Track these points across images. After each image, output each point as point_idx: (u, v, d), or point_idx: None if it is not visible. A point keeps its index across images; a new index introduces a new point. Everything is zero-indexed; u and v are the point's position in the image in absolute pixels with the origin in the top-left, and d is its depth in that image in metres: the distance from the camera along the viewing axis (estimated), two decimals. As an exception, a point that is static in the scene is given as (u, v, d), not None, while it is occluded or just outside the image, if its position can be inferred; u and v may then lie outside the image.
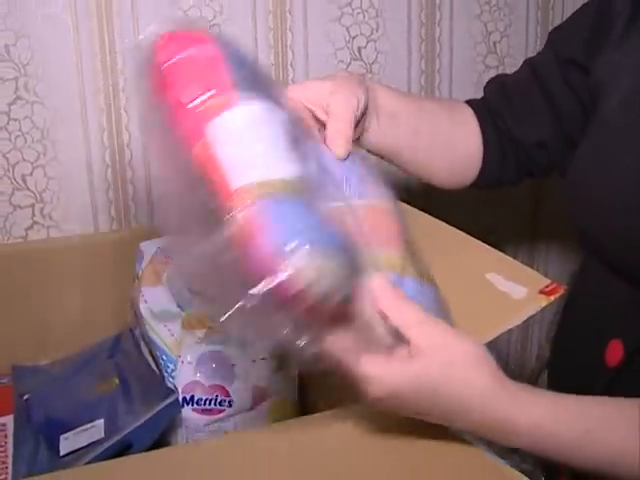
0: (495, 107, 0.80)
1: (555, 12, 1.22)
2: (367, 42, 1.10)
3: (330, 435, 0.57)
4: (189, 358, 0.77)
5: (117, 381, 0.86)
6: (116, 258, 0.98)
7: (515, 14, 1.19)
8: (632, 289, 0.66)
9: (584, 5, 0.77)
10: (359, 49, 1.10)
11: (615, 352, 0.67)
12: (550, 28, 0.86)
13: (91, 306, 0.97)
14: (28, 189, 0.98)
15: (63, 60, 0.96)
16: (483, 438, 0.56)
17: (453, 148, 0.80)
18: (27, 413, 0.84)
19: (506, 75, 0.85)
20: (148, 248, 0.92)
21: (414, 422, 0.54)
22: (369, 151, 0.72)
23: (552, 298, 0.67)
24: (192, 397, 0.76)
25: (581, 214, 0.71)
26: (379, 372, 0.51)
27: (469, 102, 0.81)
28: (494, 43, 1.18)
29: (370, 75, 1.11)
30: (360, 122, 0.67)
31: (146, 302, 0.86)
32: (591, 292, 0.74)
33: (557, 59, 0.78)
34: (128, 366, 0.87)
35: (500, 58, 1.19)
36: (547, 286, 0.70)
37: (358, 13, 1.08)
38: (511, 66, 1.18)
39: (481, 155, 0.80)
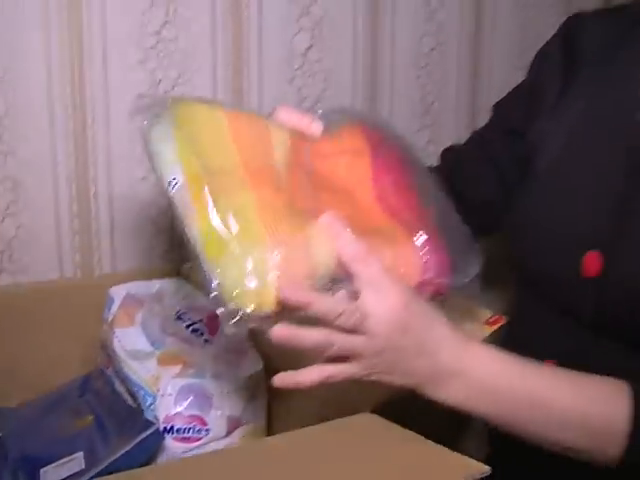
0: (449, 173, 0.94)
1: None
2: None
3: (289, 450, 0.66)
4: (169, 391, 0.84)
5: (91, 418, 0.91)
6: (81, 303, 1.04)
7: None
8: (562, 316, 0.80)
9: (521, 83, 0.94)
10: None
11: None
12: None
13: (58, 350, 1.01)
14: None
15: (34, 111, 1.03)
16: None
17: None
18: (2, 451, 0.88)
19: (459, 145, 1.00)
20: (117, 293, 0.98)
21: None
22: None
23: (495, 327, 0.81)
24: (172, 427, 0.83)
25: (522, 256, 0.85)
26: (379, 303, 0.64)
27: (430, 169, 0.95)
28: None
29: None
30: None
31: (120, 342, 0.92)
32: (526, 320, 0.87)
33: (500, 130, 0.94)
34: (101, 403, 0.93)
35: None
36: (491, 317, 0.84)
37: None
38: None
39: None
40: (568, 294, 0.81)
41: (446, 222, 0.75)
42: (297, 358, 0.66)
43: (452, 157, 1.02)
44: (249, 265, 0.61)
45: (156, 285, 1.01)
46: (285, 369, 0.66)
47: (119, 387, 0.91)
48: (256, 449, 0.73)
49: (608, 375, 0.71)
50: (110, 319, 0.95)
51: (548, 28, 1.31)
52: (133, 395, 0.88)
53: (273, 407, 0.92)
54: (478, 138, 1.00)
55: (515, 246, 0.89)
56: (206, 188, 0.64)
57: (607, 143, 0.82)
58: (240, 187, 0.66)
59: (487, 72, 1.41)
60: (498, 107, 1.00)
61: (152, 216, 1.17)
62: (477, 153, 0.98)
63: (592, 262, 0.78)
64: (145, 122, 0.69)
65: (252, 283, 0.61)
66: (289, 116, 0.75)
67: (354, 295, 0.65)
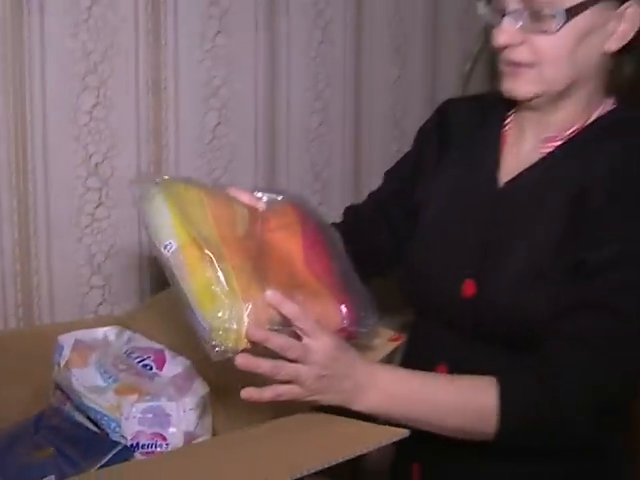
0: (350, 227, 1.19)
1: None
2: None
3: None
4: (133, 413, 0.97)
5: (52, 449, 1.01)
6: (25, 351, 1.15)
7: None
8: (448, 329, 1.03)
9: (406, 154, 1.23)
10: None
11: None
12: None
13: (7, 393, 1.11)
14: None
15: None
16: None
17: None
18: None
19: (357, 204, 1.28)
20: (66, 340, 1.11)
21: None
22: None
23: (398, 343, 1.04)
24: (138, 443, 0.96)
25: (416, 288, 1.09)
26: (317, 343, 0.87)
27: (335, 224, 1.18)
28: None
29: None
30: None
31: (78, 380, 1.04)
32: (422, 335, 1.10)
33: (391, 191, 1.19)
34: (59, 436, 1.03)
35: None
36: (393, 335, 1.07)
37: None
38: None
39: None
40: (452, 312, 1.05)
41: (353, 285, 0.99)
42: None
43: (352, 214, 1.27)
44: (231, 313, 0.85)
45: (99, 332, 1.14)
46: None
47: (80, 418, 1.03)
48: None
49: (486, 372, 0.94)
50: (64, 362, 1.07)
51: (415, 106, 1.61)
52: (96, 423, 1.00)
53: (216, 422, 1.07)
54: (374, 198, 1.26)
55: (410, 280, 1.12)
56: (208, 252, 0.86)
57: (475, 202, 1.08)
58: (221, 254, 0.87)
59: (367, 141, 1.67)
60: (389, 173, 1.26)
61: (86, 275, 1.30)
62: (373, 210, 1.24)
63: (469, 287, 1.03)
64: (140, 197, 0.88)
65: (233, 326, 0.85)
66: (240, 194, 0.96)
67: (297, 335, 0.89)
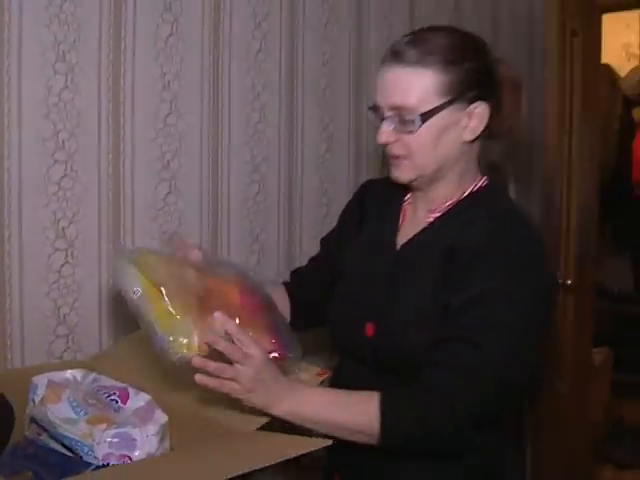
0: (294, 286, 1.49)
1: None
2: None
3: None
4: (104, 438, 1.14)
5: (30, 473, 1.18)
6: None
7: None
8: (356, 361, 1.27)
9: (336, 226, 1.52)
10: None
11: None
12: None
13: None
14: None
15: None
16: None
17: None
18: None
19: (301, 267, 1.56)
20: (40, 380, 1.27)
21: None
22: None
23: (324, 377, 1.28)
24: (109, 463, 1.13)
25: (333, 328, 1.33)
26: (253, 351, 1.11)
27: (285, 283, 1.47)
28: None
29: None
30: None
31: (53, 414, 1.20)
32: (341, 374, 1.34)
33: (326, 255, 1.51)
34: (37, 462, 1.19)
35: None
36: (320, 371, 1.30)
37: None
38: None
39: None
40: (358, 348, 1.30)
41: (282, 327, 1.24)
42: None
43: (295, 275, 1.53)
44: (183, 330, 1.11)
45: (68, 373, 1.31)
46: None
47: (55, 446, 1.19)
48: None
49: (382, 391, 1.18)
50: (39, 399, 1.24)
51: (340, 181, 1.87)
52: (70, 449, 1.17)
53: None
54: (311, 262, 1.53)
55: (330, 324, 1.37)
56: (163, 290, 1.12)
57: (378, 261, 1.33)
58: (173, 292, 1.14)
59: (299, 207, 1.91)
60: (323, 241, 1.53)
61: (52, 325, 1.47)
62: (310, 272, 1.50)
63: (369, 329, 1.28)
64: (116, 262, 1.21)
65: (185, 339, 1.11)
66: (190, 255, 1.18)
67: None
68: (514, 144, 2.45)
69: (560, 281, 2.51)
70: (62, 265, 1.48)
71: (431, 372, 1.15)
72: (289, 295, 1.46)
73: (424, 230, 1.28)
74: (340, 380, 1.35)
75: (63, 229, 1.48)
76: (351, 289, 1.35)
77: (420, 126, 1.18)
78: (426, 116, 1.18)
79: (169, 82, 1.63)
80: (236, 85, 1.77)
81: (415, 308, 1.22)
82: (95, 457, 1.14)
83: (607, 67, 4.55)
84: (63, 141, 1.47)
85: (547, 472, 2.59)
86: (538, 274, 1.18)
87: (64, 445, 1.19)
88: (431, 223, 1.28)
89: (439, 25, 1.27)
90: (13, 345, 1.42)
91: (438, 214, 1.28)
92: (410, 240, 1.29)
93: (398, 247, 1.31)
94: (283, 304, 1.44)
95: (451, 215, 1.27)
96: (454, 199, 1.28)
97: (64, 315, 1.48)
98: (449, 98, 1.18)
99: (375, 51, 2.10)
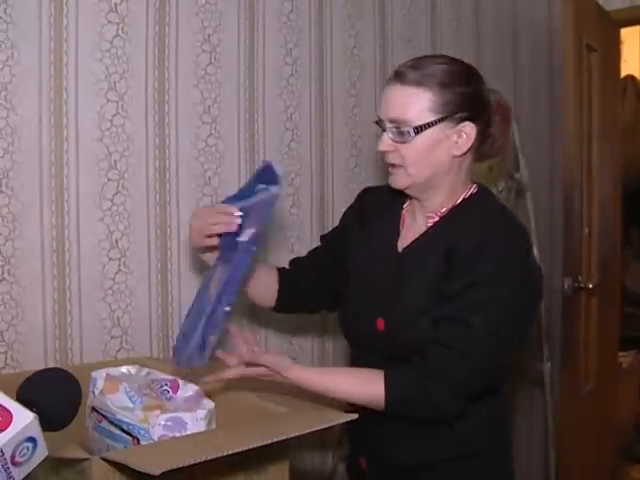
0: (290, 273, 1.60)
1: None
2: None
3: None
4: (158, 421, 1.30)
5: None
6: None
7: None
8: (369, 352, 1.44)
9: (337, 226, 1.67)
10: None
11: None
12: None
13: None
14: None
15: None
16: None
17: (259, 288, 1.57)
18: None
19: (299, 257, 1.68)
20: (99, 374, 1.43)
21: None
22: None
23: None
24: (163, 443, 1.29)
25: (346, 323, 1.48)
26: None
27: (278, 269, 1.61)
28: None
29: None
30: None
31: (112, 403, 1.36)
32: (357, 364, 1.50)
33: (323, 250, 1.64)
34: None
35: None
36: None
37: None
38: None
39: (275, 297, 1.58)
40: (371, 341, 1.44)
41: None
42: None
43: (294, 263, 1.65)
44: None
45: (124, 368, 1.47)
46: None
47: (115, 430, 1.35)
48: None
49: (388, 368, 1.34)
50: (99, 391, 1.40)
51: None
52: (129, 432, 1.32)
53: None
54: (311, 254, 1.66)
55: (343, 321, 1.53)
56: None
57: (382, 263, 1.47)
58: None
59: (330, 220, 2.06)
60: (324, 237, 1.67)
61: (108, 327, 1.64)
62: (308, 262, 1.63)
63: (380, 324, 1.42)
64: None
65: None
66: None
67: None
68: (531, 154, 2.58)
69: (582, 285, 2.61)
70: (116, 273, 1.64)
71: (430, 349, 1.31)
72: (283, 278, 1.59)
73: (422, 235, 1.43)
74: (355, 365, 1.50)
75: (116, 241, 1.64)
76: (360, 290, 1.49)
77: (413, 138, 1.33)
78: (419, 129, 1.33)
79: (209, 107, 1.80)
80: (270, 107, 1.93)
81: (420, 303, 1.36)
82: (151, 439, 1.29)
83: (633, 78, 4.64)
84: (115, 161, 1.64)
85: (573, 472, 2.68)
86: (521, 261, 1.34)
87: (123, 430, 1.34)
88: (429, 228, 1.43)
89: (439, 54, 1.46)
90: (73, 345, 1.58)
91: (436, 219, 1.43)
92: (411, 244, 1.44)
93: (400, 250, 1.45)
94: (269, 285, 1.58)
95: (447, 220, 1.41)
96: (449, 205, 1.42)
97: (118, 318, 1.65)
98: (441, 116, 1.34)
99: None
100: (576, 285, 2.58)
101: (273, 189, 1.39)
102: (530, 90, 2.91)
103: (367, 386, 1.33)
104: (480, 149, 1.42)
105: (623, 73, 3.84)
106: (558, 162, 2.91)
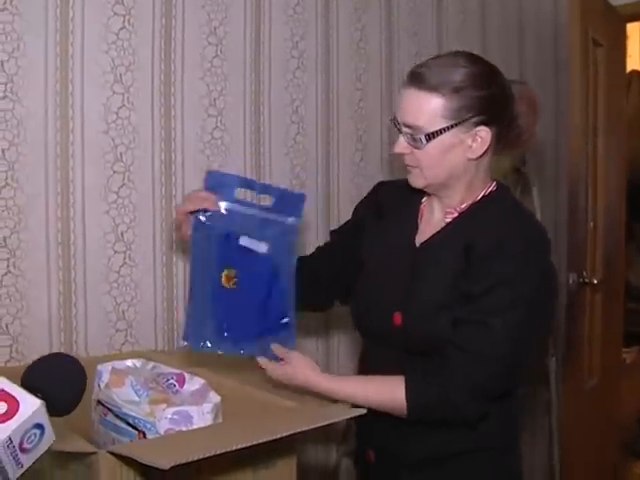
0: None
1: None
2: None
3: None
4: (164, 415, 1.29)
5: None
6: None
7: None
8: (386, 347, 1.43)
9: (350, 219, 1.65)
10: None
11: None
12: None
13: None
14: None
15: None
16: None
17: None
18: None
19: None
20: (104, 367, 1.43)
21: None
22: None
23: None
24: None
25: (361, 317, 1.47)
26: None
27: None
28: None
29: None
30: None
31: (118, 396, 1.36)
32: (370, 358, 1.47)
33: (334, 242, 1.63)
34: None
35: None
36: None
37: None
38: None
39: None
40: (387, 336, 1.43)
41: None
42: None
43: (303, 263, 1.60)
44: None
45: (129, 362, 1.47)
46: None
47: (121, 424, 1.35)
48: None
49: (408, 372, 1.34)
50: (104, 384, 1.39)
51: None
52: (135, 426, 1.32)
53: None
54: (320, 249, 1.65)
55: (356, 314, 1.52)
56: None
57: (400, 257, 1.46)
58: None
59: (336, 215, 2.04)
60: (334, 232, 1.67)
61: (113, 320, 1.63)
62: (318, 257, 1.63)
63: (397, 318, 1.41)
64: None
65: None
66: None
67: None
68: (537, 149, 2.58)
69: (586, 280, 2.61)
70: (121, 266, 1.64)
71: (450, 352, 1.30)
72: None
73: (441, 230, 1.42)
74: (370, 364, 1.49)
75: (122, 233, 1.64)
76: (376, 284, 1.48)
77: (426, 144, 1.33)
78: (431, 136, 1.33)
79: (215, 99, 1.79)
80: (276, 100, 1.92)
81: (438, 299, 1.35)
82: (157, 432, 1.29)
83: (638, 73, 4.62)
84: (121, 154, 1.63)
85: (577, 467, 2.68)
86: (540, 259, 1.34)
87: (128, 423, 1.34)
88: (448, 223, 1.42)
89: (460, 52, 1.40)
90: (78, 338, 1.58)
91: (455, 215, 1.42)
92: (429, 239, 1.43)
93: (417, 245, 1.45)
94: None
95: (466, 216, 1.41)
96: (469, 202, 1.41)
97: (123, 311, 1.64)
98: (453, 122, 1.33)
99: (405, 66, 2.23)
100: (581, 280, 2.58)
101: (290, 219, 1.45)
102: (536, 84, 2.88)
103: (388, 392, 1.33)
104: (506, 142, 1.41)
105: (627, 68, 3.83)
106: (563, 157, 2.90)
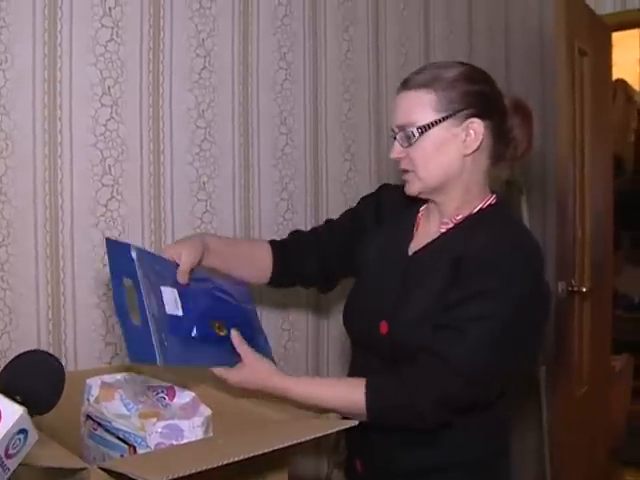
0: (285, 245, 1.59)
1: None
2: None
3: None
4: (155, 429, 1.28)
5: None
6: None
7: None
8: (372, 355, 1.43)
9: (347, 211, 1.65)
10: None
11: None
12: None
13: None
14: None
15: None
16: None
17: (251, 265, 1.55)
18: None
19: (300, 231, 1.67)
20: (94, 381, 1.42)
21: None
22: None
23: None
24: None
25: (348, 323, 1.48)
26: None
27: (271, 242, 1.60)
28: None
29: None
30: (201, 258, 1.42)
31: (108, 410, 1.35)
32: (358, 365, 1.49)
33: (330, 232, 1.63)
34: (94, 454, 1.34)
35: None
36: None
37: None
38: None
39: (270, 270, 1.56)
40: (374, 343, 1.43)
41: None
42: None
43: (293, 235, 1.65)
44: None
45: (119, 376, 1.46)
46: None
47: (110, 438, 1.34)
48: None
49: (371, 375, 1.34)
50: (94, 398, 1.38)
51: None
52: (125, 440, 1.31)
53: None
54: (313, 231, 1.65)
55: (346, 320, 1.53)
56: None
57: (392, 265, 1.46)
58: None
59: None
60: (330, 221, 1.65)
61: (102, 334, 1.62)
62: (309, 238, 1.62)
63: (383, 327, 1.41)
64: None
65: None
66: None
67: None
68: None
69: (575, 289, 2.62)
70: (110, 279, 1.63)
71: (421, 356, 1.29)
72: (279, 252, 1.58)
73: (435, 240, 1.42)
74: (357, 371, 1.48)
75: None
76: (367, 290, 1.49)
77: (418, 138, 1.34)
78: (423, 129, 1.34)
79: (203, 111, 1.79)
80: (264, 112, 1.92)
81: (424, 309, 1.35)
82: (148, 447, 1.28)
83: (623, 82, 4.67)
84: (109, 167, 1.63)
85: (567, 475, 2.68)
86: (527, 281, 1.30)
87: (119, 437, 1.33)
88: (442, 234, 1.42)
89: (451, 61, 1.42)
90: (67, 351, 1.57)
91: (450, 225, 1.42)
92: (422, 248, 1.43)
93: (410, 254, 1.44)
94: (263, 260, 1.57)
95: (461, 228, 1.40)
96: (465, 213, 1.41)
97: (112, 325, 1.63)
98: (445, 115, 1.34)
99: (392, 76, 2.24)
100: (569, 289, 2.59)
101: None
102: (523, 95, 2.90)
103: (348, 392, 1.32)
104: (503, 153, 1.41)
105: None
106: (551, 166, 2.91)
